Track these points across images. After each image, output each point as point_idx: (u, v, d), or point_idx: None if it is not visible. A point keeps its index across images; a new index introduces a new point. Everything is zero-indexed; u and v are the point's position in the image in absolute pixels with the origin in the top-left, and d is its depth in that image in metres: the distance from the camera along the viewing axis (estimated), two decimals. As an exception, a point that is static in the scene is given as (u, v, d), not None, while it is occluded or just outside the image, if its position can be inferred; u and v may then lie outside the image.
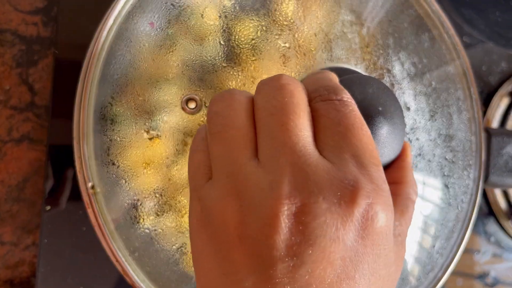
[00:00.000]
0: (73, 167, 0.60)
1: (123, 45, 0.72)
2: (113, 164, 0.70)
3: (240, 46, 0.80)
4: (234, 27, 0.80)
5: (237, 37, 0.80)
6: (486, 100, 0.98)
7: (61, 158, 0.74)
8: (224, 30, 0.79)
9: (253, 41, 0.80)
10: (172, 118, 0.75)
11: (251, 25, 0.78)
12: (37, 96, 0.79)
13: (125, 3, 0.64)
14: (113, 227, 0.63)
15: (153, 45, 0.74)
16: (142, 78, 0.74)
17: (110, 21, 0.62)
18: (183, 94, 0.75)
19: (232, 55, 0.80)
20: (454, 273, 0.95)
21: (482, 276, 0.95)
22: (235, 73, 0.78)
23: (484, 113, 0.97)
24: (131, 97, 0.71)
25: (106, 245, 0.59)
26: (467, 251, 0.94)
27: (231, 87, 0.77)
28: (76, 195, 0.73)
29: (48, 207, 0.72)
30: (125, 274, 0.60)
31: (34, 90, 0.79)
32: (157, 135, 0.73)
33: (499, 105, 0.96)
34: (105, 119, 0.70)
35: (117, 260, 0.59)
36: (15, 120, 0.77)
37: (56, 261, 0.71)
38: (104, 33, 0.62)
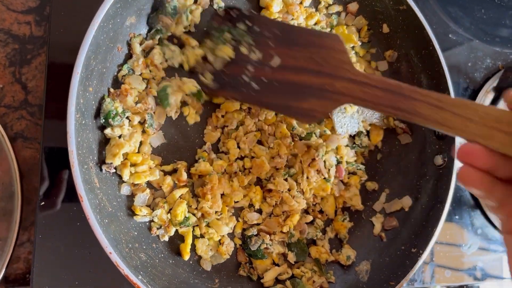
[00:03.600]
0: (68, 167, 0.61)
1: (116, 44, 0.73)
2: (108, 160, 0.71)
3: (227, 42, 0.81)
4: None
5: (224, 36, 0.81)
6: (472, 96, 1.00)
7: (56, 158, 0.74)
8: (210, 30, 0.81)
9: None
10: (166, 116, 0.77)
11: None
12: (30, 95, 0.80)
13: (114, 2, 0.64)
14: (107, 221, 0.64)
15: (145, 44, 0.75)
16: (136, 76, 0.75)
17: (100, 20, 0.63)
18: (175, 90, 0.77)
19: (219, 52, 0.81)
20: (443, 266, 0.97)
21: (471, 269, 0.97)
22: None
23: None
24: (125, 95, 0.72)
25: (100, 238, 0.60)
26: (454, 244, 0.96)
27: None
28: (70, 192, 0.74)
29: (42, 203, 0.72)
30: (119, 267, 0.61)
31: (27, 89, 0.80)
32: (152, 132, 0.75)
33: (485, 100, 0.98)
34: (99, 117, 0.71)
35: (110, 253, 0.60)
36: (9, 119, 0.78)
37: (51, 257, 0.72)
38: (95, 31, 0.63)
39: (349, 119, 0.81)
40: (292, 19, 0.81)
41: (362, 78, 0.59)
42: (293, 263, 0.79)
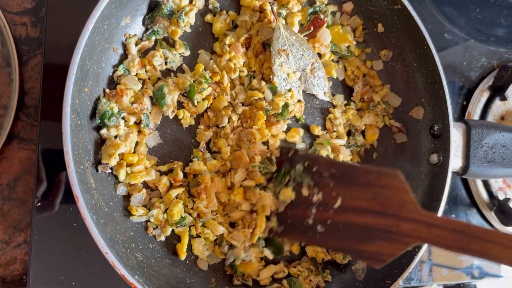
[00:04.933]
0: (64, 168, 0.61)
1: (111, 45, 0.73)
2: (104, 160, 0.71)
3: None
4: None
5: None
6: (468, 95, 1.00)
7: (52, 159, 0.74)
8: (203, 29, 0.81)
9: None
10: (161, 116, 0.77)
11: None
12: (26, 96, 0.80)
13: (109, 3, 0.65)
14: (103, 221, 0.64)
15: (141, 45, 0.76)
16: (131, 76, 0.75)
17: (95, 21, 0.63)
18: (171, 90, 0.77)
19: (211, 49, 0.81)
20: (439, 264, 0.97)
21: (468, 267, 0.97)
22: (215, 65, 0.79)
23: (466, 107, 0.99)
24: (120, 95, 0.72)
25: (96, 238, 0.60)
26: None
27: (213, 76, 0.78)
28: (66, 193, 0.74)
29: (39, 204, 0.72)
30: (115, 267, 0.61)
31: (23, 90, 0.80)
32: (147, 132, 0.75)
33: (480, 99, 0.98)
34: (95, 117, 0.71)
35: (107, 253, 0.60)
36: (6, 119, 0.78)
37: (48, 258, 0.72)
38: (90, 32, 0.63)
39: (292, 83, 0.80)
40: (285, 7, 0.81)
41: (428, 218, 0.58)
42: (270, 259, 0.76)
